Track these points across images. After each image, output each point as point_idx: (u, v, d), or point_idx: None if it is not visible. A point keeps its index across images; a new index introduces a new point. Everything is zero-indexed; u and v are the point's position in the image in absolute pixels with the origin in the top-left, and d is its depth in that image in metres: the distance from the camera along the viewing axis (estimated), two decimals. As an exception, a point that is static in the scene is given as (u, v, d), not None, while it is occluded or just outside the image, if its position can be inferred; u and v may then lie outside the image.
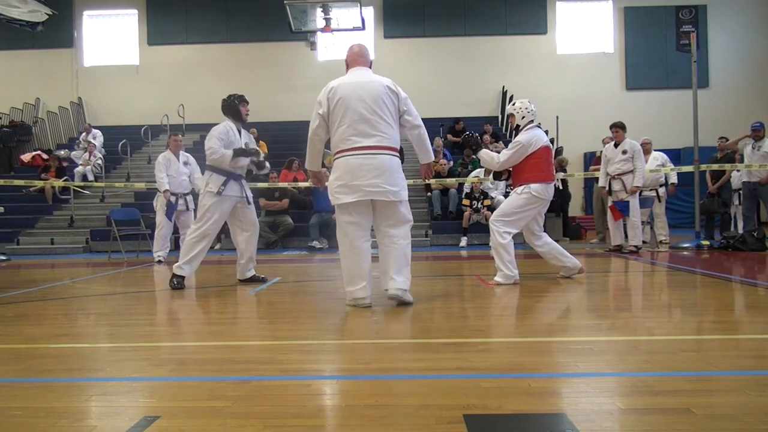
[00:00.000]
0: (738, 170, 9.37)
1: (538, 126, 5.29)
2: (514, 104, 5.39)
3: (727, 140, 10.12)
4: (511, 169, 5.28)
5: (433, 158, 4.30)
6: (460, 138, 12.16)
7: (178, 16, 17.26)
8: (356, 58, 4.23)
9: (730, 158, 9.90)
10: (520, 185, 5.14)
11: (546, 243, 5.31)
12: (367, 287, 3.99)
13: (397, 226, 4.04)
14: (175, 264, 5.27)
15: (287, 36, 14.81)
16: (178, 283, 5.22)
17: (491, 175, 6.39)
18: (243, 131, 5.54)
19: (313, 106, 4.09)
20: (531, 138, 5.12)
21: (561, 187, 11.18)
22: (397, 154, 4.06)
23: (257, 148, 5.64)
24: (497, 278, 5.07)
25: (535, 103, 5.35)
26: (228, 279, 6.01)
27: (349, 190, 3.94)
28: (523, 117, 5.23)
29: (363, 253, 4.01)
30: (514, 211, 5.10)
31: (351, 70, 4.20)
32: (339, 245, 4.09)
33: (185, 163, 8.44)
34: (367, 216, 4.04)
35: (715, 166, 9.71)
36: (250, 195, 5.53)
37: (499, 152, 5.43)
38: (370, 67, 4.25)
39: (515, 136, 5.29)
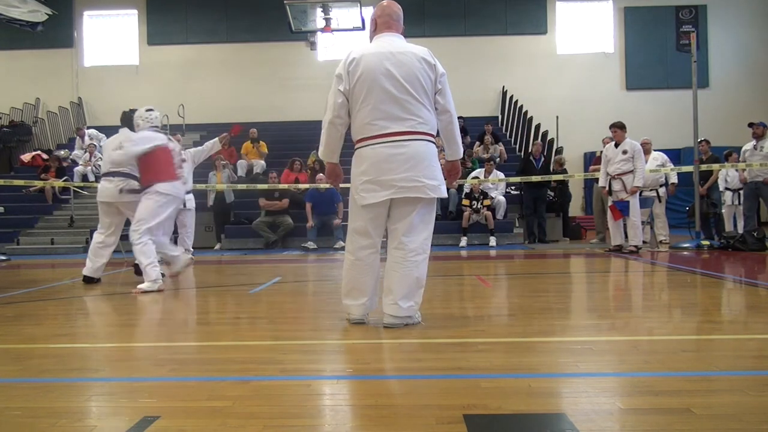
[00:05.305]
0: (738, 170, 9.35)
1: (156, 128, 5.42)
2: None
3: (709, 143, 10.10)
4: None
5: (461, 154, 3.47)
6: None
7: (178, 16, 17.25)
8: (387, 19, 3.34)
9: (714, 160, 9.88)
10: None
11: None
12: (364, 306, 3.33)
13: (413, 233, 3.22)
14: None
15: (287, 36, 14.79)
16: None
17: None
18: None
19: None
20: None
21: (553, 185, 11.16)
22: (434, 141, 3.31)
23: None
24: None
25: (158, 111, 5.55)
26: (228, 279, 6.02)
27: (379, 187, 3.16)
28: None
29: (365, 267, 3.29)
30: None
31: (378, 36, 3.34)
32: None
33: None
34: (380, 221, 3.29)
35: (716, 166, 9.69)
36: None
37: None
38: (403, 34, 3.41)
39: None
